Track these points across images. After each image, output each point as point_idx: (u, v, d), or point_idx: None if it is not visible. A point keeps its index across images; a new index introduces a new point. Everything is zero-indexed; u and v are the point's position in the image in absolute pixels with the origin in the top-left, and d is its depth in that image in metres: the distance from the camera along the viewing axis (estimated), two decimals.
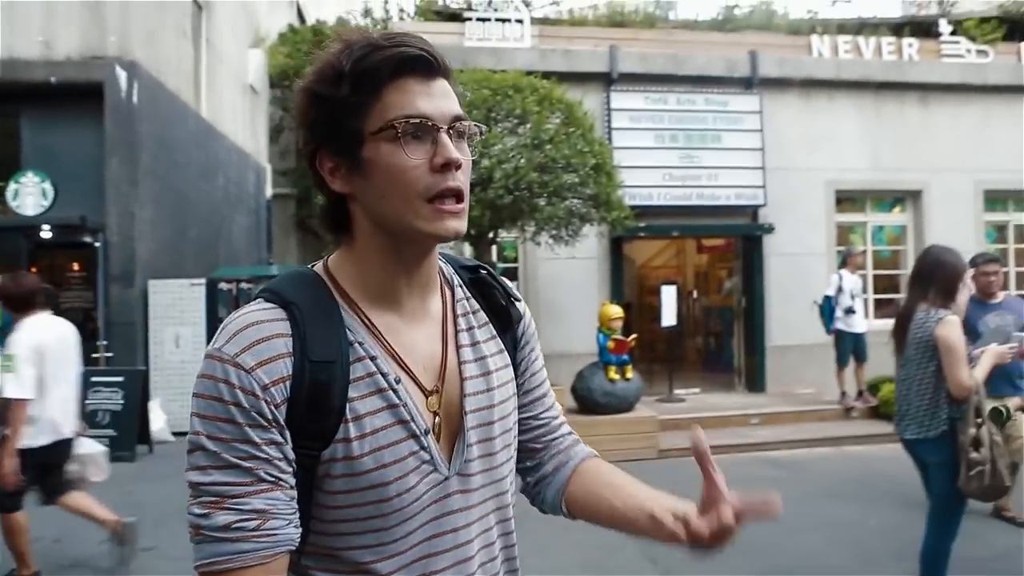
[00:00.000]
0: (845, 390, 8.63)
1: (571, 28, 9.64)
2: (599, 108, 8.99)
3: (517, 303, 1.16)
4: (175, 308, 8.61)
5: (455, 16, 9.45)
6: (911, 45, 10.45)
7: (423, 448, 0.97)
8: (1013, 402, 4.30)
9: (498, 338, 1.12)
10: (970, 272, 4.51)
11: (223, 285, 9.05)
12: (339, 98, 0.92)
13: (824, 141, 10.12)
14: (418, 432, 0.97)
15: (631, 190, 8.52)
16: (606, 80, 9.16)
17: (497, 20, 9.11)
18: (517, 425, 1.12)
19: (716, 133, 9.33)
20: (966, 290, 4.66)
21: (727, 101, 9.39)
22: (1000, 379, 4.07)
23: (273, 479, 0.88)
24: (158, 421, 8.12)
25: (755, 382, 10.00)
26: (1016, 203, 11.08)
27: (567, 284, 8.98)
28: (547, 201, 6.36)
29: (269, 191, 16.32)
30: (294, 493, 0.90)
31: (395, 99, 0.92)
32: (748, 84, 9.63)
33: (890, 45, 10.46)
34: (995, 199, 10.88)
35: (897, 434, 3.52)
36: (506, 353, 1.12)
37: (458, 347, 1.06)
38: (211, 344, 0.92)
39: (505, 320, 1.14)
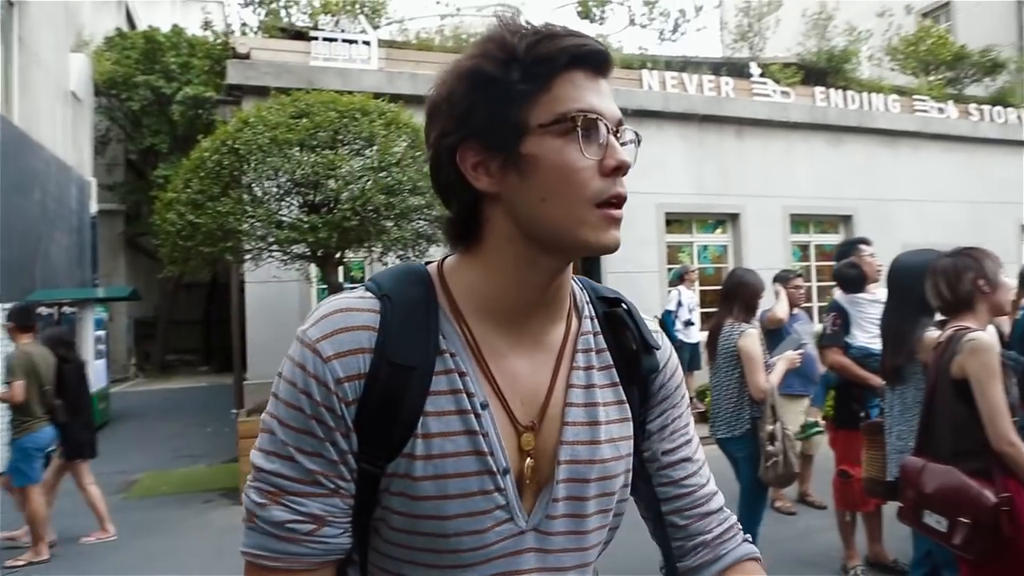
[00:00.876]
0: None
1: (418, 52, 9.77)
2: None
3: (656, 351, 1.00)
4: None
5: (301, 35, 9.29)
6: (728, 83, 11.55)
7: (498, 489, 0.85)
8: (810, 411, 4.95)
9: (620, 387, 0.96)
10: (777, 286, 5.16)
11: (43, 310, 8.30)
12: (508, 82, 0.82)
13: (654, 167, 10.91)
14: (495, 469, 0.85)
15: None
16: None
17: (344, 41, 9.09)
18: (624, 491, 0.96)
19: None
20: (784, 296, 5.30)
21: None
22: (792, 377, 4.68)
23: (333, 486, 0.83)
24: None
25: None
26: (816, 225, 12.50)
27: None
28: (394, 223, 6.42)
29: (94, 207, 15.10)
30: (352, 502, 0.84)
31: (566, 92, 0.83)
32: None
33: (711, 82, 11.49)
34: (799, 222, 12.20)
35: (711, 434, 3.95)
36: (627, 406, 0.96)
37: (568, 385, 0.92)
38: (301, 326, 0.86)
39: (633, 368, 0.97)
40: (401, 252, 6.81)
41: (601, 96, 0.85)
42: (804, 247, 12.33)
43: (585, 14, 11.51)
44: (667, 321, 9.12)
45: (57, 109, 13.15)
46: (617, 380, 0.96)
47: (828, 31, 13.31)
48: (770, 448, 3.48)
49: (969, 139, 13.46)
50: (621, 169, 0.85)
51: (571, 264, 0.91)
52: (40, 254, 11.50)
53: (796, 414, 5.17)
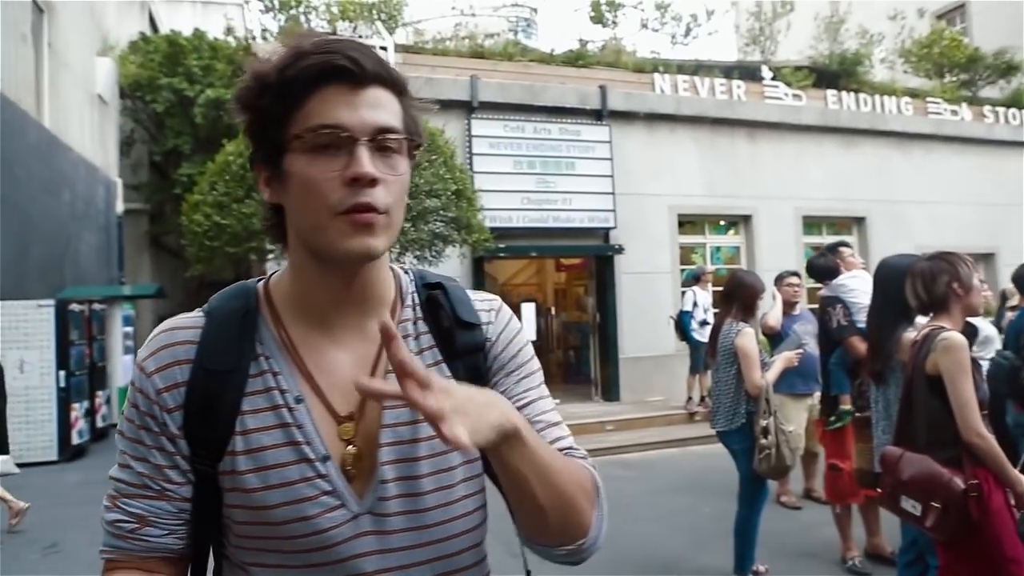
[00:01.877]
0: (691, 395, 9.53)
1: (434, 57, 10.02)
2: (461, 134, 9.43)
3: (479, 327, 1.02)
4: (19, 331, 8.11)
5: None
6: (739, 87, 11.70)
7: (320, 476, 0.90)
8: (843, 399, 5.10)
9: (444, 365, 0.99)
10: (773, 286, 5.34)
11: (74, 306, 8.62)
12: (262, 107, 0.89)
13: (666, 169, 11.09)
14: (313, 457, 0.91)
15: (492, 213, 9.02)
16: (467, 108, 9.62)
17: None
18: (472, 466, 0.98)
19: (570, 160, 10.00)
20: (779, 301, 5.49)
21: (579, 131, 10.10)
22: (794, 376, 4.87)
23: (159, 488, 0.92)
24: None
25: (610, 391, 10.69)
26: (828, 226, 12.61)
27: None
28: (411, 224, 6.65)
29: (120, 206, 15.51)
30: (184, 505, 0.93)
31: (316, 108, 0.86)
32: (598, 116, 10.42)
33: (722, 85, 11.64)
34: (811, 223, 12.33)
35: (712, 428, 4.15)
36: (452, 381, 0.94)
37: (387, 371, 0.93)
38: None
39: (451, 346, 1.00)
40: (418, 252, 7.06)
41: (353, 109, 0.86)
42: (817, 248, 12.42)
43: (598, 18, 11.68)
44: (684, 321, 9.30)
45: (85, 112, 13.55)
46: (440, 359, 0.99)
47: (840, 34, 13.40)
48: (763, 441, 3.68)
49: (983, 141, 13.51)
50: (359, 180, 0.85)
51: (377, 261, 0.93)
52: (70, 253, 11.88)
53: (799, 412, 5.36)
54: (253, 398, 0.92)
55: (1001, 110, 13.86)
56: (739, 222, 12.04)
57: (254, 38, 11.17)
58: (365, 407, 0.94)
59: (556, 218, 9.87)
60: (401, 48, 10.06)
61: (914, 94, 13.46)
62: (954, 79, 14.57)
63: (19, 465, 7.69)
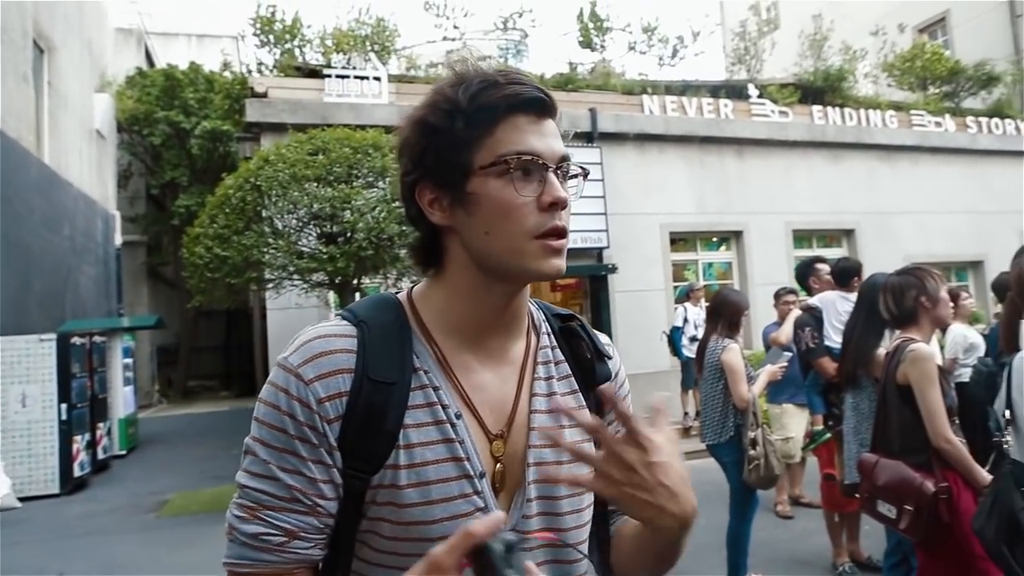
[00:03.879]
0: (687, 411, 9.63)
1: (426, 85, 10.21)
2: None
3: (608, 360, 1.09)
4: (21, 366, 8.21)
5: (315, 72, 9.78)
6: (727, 105, 11.92)
7: (476, 492, 0.92)
8: (815, 419, 5.27)
9: (580, 394, 1.05)
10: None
11: (76, 340, 8.74)
12: (452, 131, 0.92)
13: (657, 188, 11.27)
14: (472, 473, 0.92)
15: None
16: None
17: (356, 77, 9.57)
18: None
19: None
20: (789, 324, 5.65)
21: (571, 153, 10.23)
22: (797, 388, 5.13)
23: (311, 504, 0.88)
24: (2, 487, 7.70)
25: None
26: (819, 240, 12.79)
27: None
28: (408, 251, 6.79)
29: (119, 239, 15.69)
30: (330, 521, 0.90)
31: (507, 136, 0.91)
32: (589, 138, 10.62)
33: (710, 105, 11.86)
34: (801, 237, 12.50)
35: (701, 442, 4.27)
36: (586, 410, 1.03)
37: (532, 394, 1.00)
38: (282, 353, 0.94)
39: (589, 375, 1.06)
40: (416, 278, 7.18)
41: (542, 137, 0.93)
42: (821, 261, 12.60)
43: (587, 43, 11.93)
44: (675, 337, 9.44)
45: (84, 147, 13.77)
46: (576, 388, 1.05)
47: (824, 51, 13.67)
48: (752, 453, 3.80)
49: (968, 151, 13.75)
50: (557, 204, 0.91)
51: (527, 287, 1.00)
52: (70, 286, 12.03)
53: (800, 421, 5.52)
54: (415, 411, 0.92)
55: (984, 120, 14.10)
56: (730, 238, 12.20)
57: (250, 72, 11.38)
58: (512, 426, 0.97)
59: None
60: (394, 79, 10.26)
61: (898, 107, 13.70)
62: (937, 91, 14.83)
63: (21, 499, 7.77)
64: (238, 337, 21.01)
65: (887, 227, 12.66)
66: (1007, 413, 2.32)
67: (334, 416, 0.88)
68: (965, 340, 5.42)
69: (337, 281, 7.05)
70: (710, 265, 12.27)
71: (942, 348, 5.19)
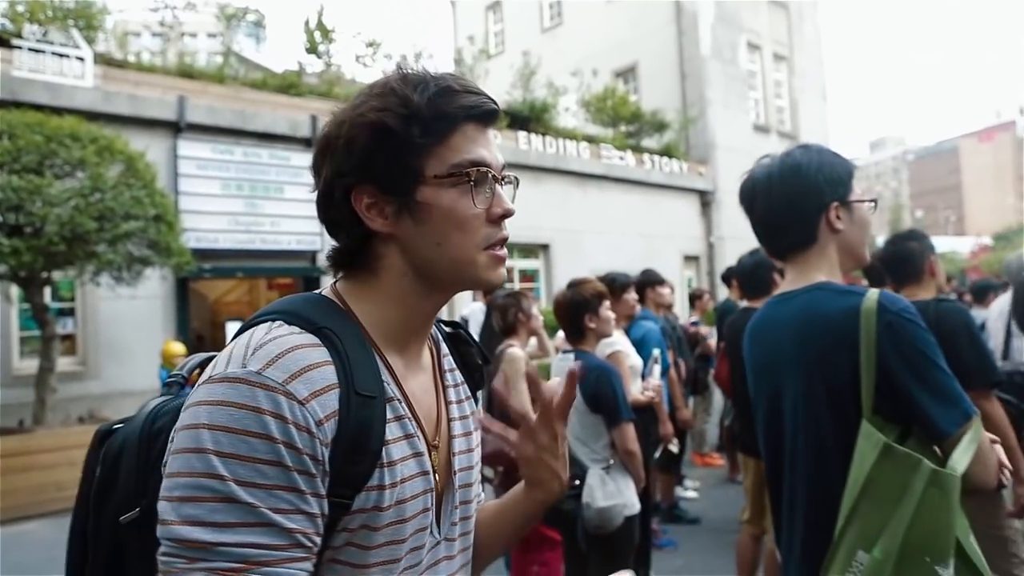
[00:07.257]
0: None
1: (139, 73, 9.77)
2: (166, 154, 9.33)
3: (485, 366, 1.10)
4: None
5: (2, 41, 8.87)
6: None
7: (430, 507, 0.89)
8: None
9: (472, 399, 1.06)
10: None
11: None
12: (407, 137, 0.86)
13: None
14: (432, 487, 0.89)
15: (198, 233, 9.09)
16: (174, 128, 9.50)
17: (54, 54, 8.88)
18: (479, 486, 1.05)
19: (279, 185, 10.27)
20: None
21: (289, 156, 10.39)
22: None
23: (311, 544, 0.76)
24: None
25: None
26: (519, 252, 14.43)
27: (129, 323, 9.03)
28: (107, 246, 6.58)
29: None
30: (315, 560, 0.78)
31: (459, 144, 0.88)
32: (308, 143, 10.88)
33: None
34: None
35: None
36: (475, 414, 1.05)
37: (447, 402, 0.99)
38: (233, 366, 0.76)
39: (478, 381, 1.08)
40: (116, 274, 7.00)
41: (489, 147, 0.91)
42: (508, 271, 14.16)
43: (312, 49, 12.20)
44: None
45: None
46: (470, 394, 1.06)
47: (531, 83, 15.40)
48: None
49: (644, 183, 16.42)
50: (506, 216, 0.91)
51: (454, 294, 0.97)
52: None
53: None
54: (391, 426, 0.85)
55: (657, 158, 16.90)
56: (538, 250, 13.50)
57: None
58: (440, 435, 0.95)
59: (264, 240, 10.09)
60: (102, 59, 9.64)
61: (591, 140, 15.87)
62: (623, 130, 17.44)
63: None
64: None
65: (577, 244, 14.68)
66: None
67: (330, 439, 0.77)
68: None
69: (22, 275, 6.65)
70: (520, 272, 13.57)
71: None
